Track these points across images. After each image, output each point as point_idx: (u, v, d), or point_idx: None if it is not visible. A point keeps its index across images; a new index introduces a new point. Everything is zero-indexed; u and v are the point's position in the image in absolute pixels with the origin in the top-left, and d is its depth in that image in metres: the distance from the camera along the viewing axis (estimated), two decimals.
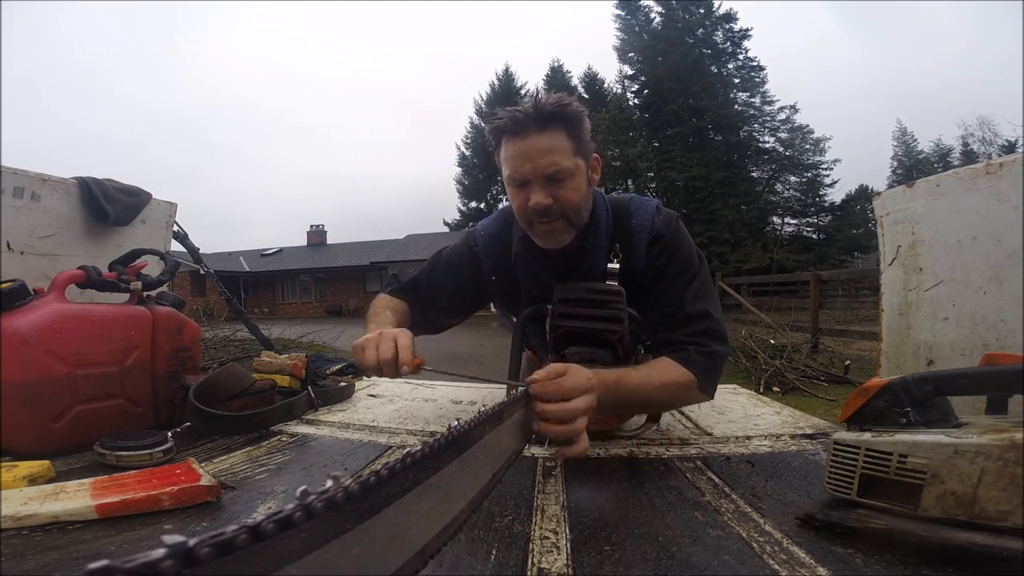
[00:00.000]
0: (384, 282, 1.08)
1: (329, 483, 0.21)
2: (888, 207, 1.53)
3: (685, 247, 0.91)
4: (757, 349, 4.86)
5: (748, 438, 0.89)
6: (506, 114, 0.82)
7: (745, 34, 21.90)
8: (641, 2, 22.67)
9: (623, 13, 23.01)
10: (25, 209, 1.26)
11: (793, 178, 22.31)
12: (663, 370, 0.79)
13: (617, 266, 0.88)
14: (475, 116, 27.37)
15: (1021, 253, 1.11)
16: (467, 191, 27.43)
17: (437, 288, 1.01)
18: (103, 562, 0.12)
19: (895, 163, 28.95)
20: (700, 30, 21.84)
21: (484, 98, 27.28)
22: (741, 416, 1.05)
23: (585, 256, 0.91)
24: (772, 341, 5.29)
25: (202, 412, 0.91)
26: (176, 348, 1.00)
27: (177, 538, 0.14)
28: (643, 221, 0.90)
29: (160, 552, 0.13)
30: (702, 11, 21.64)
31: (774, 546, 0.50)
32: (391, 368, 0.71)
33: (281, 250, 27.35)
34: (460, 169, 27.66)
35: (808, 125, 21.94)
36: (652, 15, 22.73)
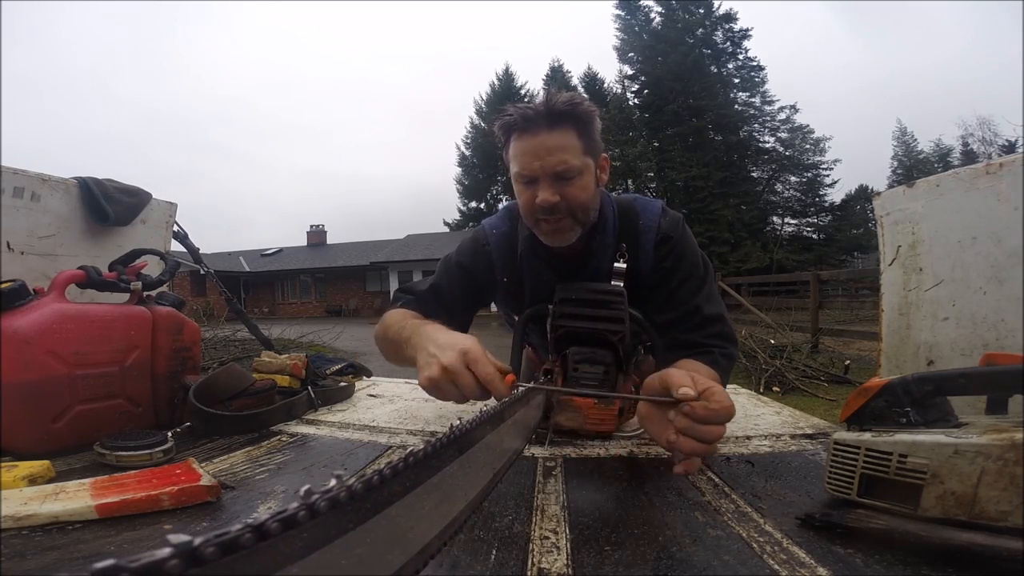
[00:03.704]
0: (392, 299, 1.04)
1: (333, 482, 0.21)
2: (888, 207, 1.53)
3: (692, 250, 0.91)
4: (757, 349, 4.86)
5: (748, 438, 0.89)
6: (516, 110, 0.81)
7: (745, 34, 21.94)
8: (641, 2, 22.69)
9: (623, 13, 23.04)
10: (25, 209, 1.26)
11: (793, 178, 22.34)
12: (703, 372, 0.79)
13: (624, 266, 0.88)
14: (475, 116, 27.37)
15: (1021, 253, 1.11)
16: (467, 191, 27.43)
17: (459, 292, 0.99)
18: (109, 562, 0.12)
19: (895, 163, 29.01)
20: (700, 30, 21.86)
21: (484, 98, 27.29)
22: (741, 416, 1.05)
23: (591, 256, 0.91)
24: (772, 341, 5.30)
25: (202, 412, 0.91)
26: (176, 348, 1.00)
27: (183, 537, 0.14)
28: (650, 222, 0.90)
29: (166, 551, 0.13)
30: (702, 11, 21.66)
31: (774, 546, 0.50)
32: (480, 395, 0.65)
33: (281, 250, 27.36)
34: (460, 169, 27.68)
35: (808, 125, 21.99)
36: (652, 15, 22.77)
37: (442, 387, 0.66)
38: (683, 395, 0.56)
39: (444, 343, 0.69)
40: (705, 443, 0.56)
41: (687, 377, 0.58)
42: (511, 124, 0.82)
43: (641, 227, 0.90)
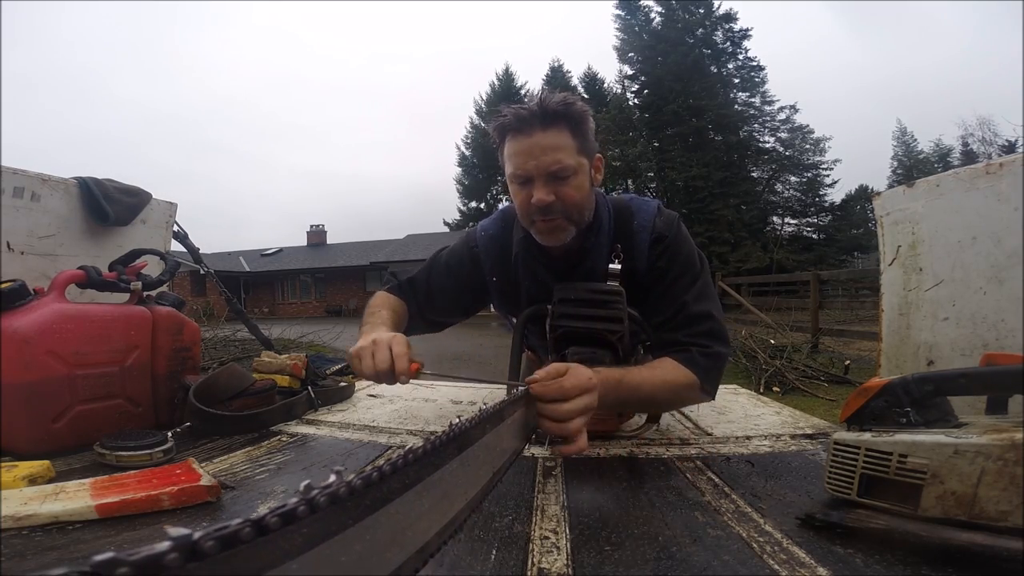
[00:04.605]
0: (383, 280, 1.08)
1: (332, 478, 0.21)
2: (888, 207, 1.53)
3: (687, 249, 0.91)
4: (757, 349, 4.85)
5: (748, 438, 0.89)
6: (511, 111, 0.82)
7: (745, 34, 21.93)
8: (641, 2, 22.69)
9: (623, 13, 23.04)
10: (25, 209, 1.26)
11: (793, 178, 22.32)
12: (666, 370, 0.80)
13: (619, 266, 0.88)
14: (475, 116, 27.36)
15: (1021, 253, 1.11)
16: (467, 191, 27.42)
17: (436, 288, 1.01)
18: (108, 554, 0.12)
19: (895, 163, 28.97)
20: (700, 30, 21.86)
21: (484, 98, 27.28)
22: (741, 416, 1.05)
23: (587, 256, 0.91)
24: (772, 341, 5.29)
25: (202, 412, 0.91)
26: (176, 348, 1.00)
27: (182, 531, 0.14)
28: (644, 222, 0.90)
29: (165, 545, 0.13)
30: (702, 11, 21.66)
31: (774, 546, 0.50)
32: (388, 377, 0.70)
33: (281, 250, 27.34)
34: (460, 169, 27.66)
35: (808, 125, 21.95)
36: (652, 15, 22.75)
37: (363, 355, 0.72)
38: (528, 380, 0.62)
39: (388, 331, 0.80)
40: (557, 420, 0.61)
41: (551, 367, 0.64)
42: (505, 125, 0.83)
43: (636, 227, 0.90)
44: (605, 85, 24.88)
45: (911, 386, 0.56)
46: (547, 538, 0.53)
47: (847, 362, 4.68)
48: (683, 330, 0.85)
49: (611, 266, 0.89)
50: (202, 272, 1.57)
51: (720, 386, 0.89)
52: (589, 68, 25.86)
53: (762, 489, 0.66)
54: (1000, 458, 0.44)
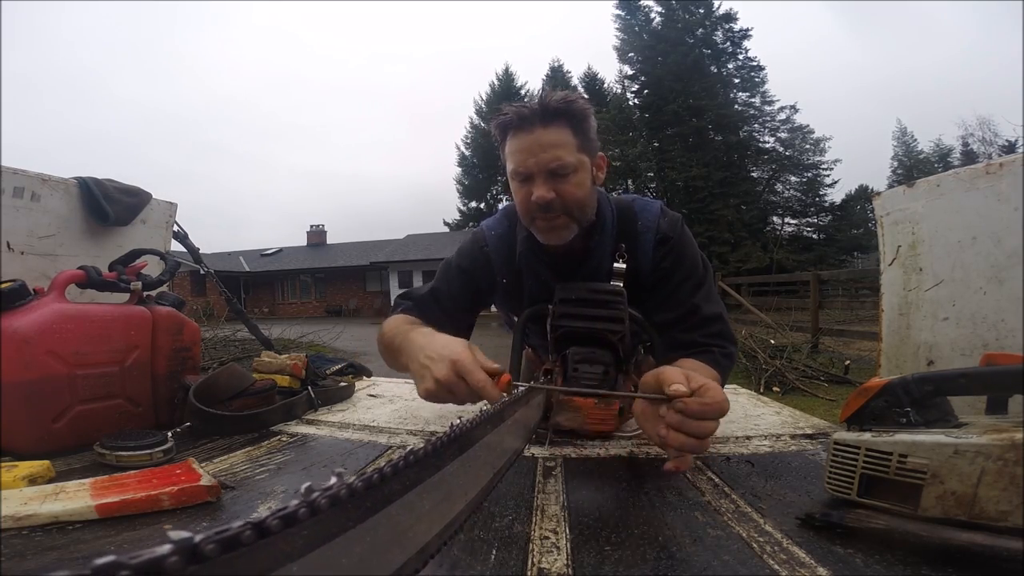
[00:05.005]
0: (393, 305, 1.04)
1: (333, 479, 0.21)
2: (888, 207, 1.53)
3: (691, 250, 0.92)
4: (757, 349, 4.86)
5: (748, 438, 0.89)
6: (512, 109, 0.82)
7: (745, 34, 21.96)
8: (641, 2, 22.71)
9: (623, 13, 23.06)
10: (25, 209, 1.26)
11: (793, 178, 22.37)
12: (703, 371, 0.80)
13: (623, 266, 0.89)
14: (475, 116, 27.38)
15: (1021, 253, 1.11)
16: (467, 191, 27.44)
17: (457, 293, 1.00)
18: (109, 558, 0.12)
19: (895, 163, 29.01)
20: (700, 30, 21.88)
21: (484, 98, 27.30)
22: (741, 416, 1.05)
23: (590, 256, 0.91)
24: (772, 341, 5.30)
25: (202, 412, 0.91)
26: (176, 348, 1.00)
27: (183, 534, 0.14)
28: (649, 223, 0.90)
29: (166, 548, 0.13)
30: (702, 11, 21.68)
31: (774, 546, 0.50)
32: (478, 400, 0.66)
33: (281, 250, 27.36)
34: (460, 169, 27.70)
35: (808, 125, 22.01)
36: (652, 15, 22.78)
37: (440, 397, 0.68)
38: (675, 391, 0.57)
39: (434, 353, 0.69)
40: (696, 438, 0.57)
41: (680, 374, 0.59)
42: (507, 123, 0.83)
43: (640, 228, 0.91)
44: (605, 85, 24.93)
45: (911, 386, 0.56)
46: (547, 538, 0.53)
47: (847, 362, 4.69)
48: (699, 331, 0.86)
49: (616, 265, 0.89)
50: (202, 272, 1.57)
51: None
52: (589, 68, 25.94)
53: (762, 489, 0.66)
54: (1000, 458, 0.44)
